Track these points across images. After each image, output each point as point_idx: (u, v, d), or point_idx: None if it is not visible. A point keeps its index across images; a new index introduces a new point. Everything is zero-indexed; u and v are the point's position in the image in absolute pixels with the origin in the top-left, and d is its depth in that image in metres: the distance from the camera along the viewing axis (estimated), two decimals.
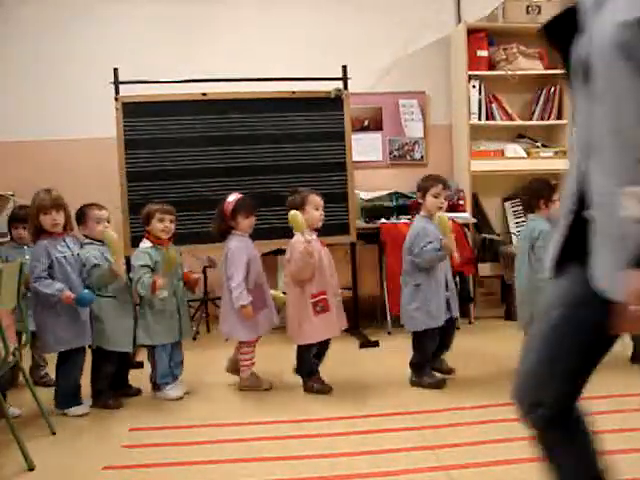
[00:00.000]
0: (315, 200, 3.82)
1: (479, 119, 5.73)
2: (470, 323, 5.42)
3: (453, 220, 5.19)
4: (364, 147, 5.83)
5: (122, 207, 4.85)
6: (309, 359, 3.84)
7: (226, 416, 3.49)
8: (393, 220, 5.44)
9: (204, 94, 5.02)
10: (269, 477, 2.71)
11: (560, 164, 5.76)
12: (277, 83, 5.11)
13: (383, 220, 5.43)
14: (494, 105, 5.79)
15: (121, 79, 4.94)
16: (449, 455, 2.83)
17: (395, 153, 5.98)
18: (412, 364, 3.89)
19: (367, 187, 5.65)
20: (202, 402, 3.75)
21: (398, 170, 5.93)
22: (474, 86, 5.70)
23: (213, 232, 3.97)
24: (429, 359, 3.87)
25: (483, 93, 5.74)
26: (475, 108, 5.71)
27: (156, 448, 3.09)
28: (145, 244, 3.83)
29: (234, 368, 4.03)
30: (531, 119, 5.92)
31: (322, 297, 3.75)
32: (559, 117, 5.86)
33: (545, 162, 5.74)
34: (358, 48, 5.76)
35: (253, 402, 3.74)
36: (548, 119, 5.87)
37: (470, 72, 5.66)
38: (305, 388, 3.84)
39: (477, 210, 5.68)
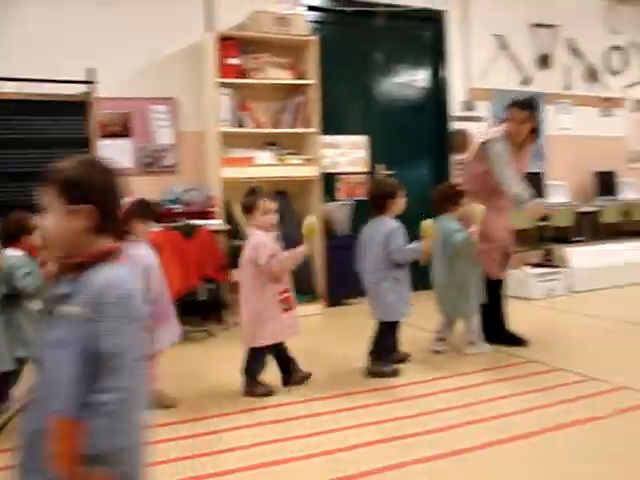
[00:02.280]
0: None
1: (230, 126, 5.83)
2: (226, 330, 5.47)
3: (204, 227, 5.26)
4: (113, 154, 5.67)
5: None
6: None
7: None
8: None
9: None
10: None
11: (309, 171, 6.04)
12: (21, 84, 4.85)
13: None
14: (245, 113, 5.93)
15: None
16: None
17: (145, 160, 5.91)
18: (374, 353, 4.15)
19: None
20: None
21: (148, 177, 5.85)
22: (225, 94, 5.80)
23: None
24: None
25: (234, 101, 5.86)
26: (226, 115, 5.81)
27: None
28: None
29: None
30: (281, 127, 6.13)
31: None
32: (307, 126, 6.12)
33: (295, 169, 5.99)
34: (107, 50, 5.60)
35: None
36: (297, 128, 6.12)
37: (220, 80, 5.74)
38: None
39: (229, 217, 5.77)
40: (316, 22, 6.60)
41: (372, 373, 4.10)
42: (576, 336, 5.23)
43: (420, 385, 3.91)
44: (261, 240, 3.78)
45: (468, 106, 7.36)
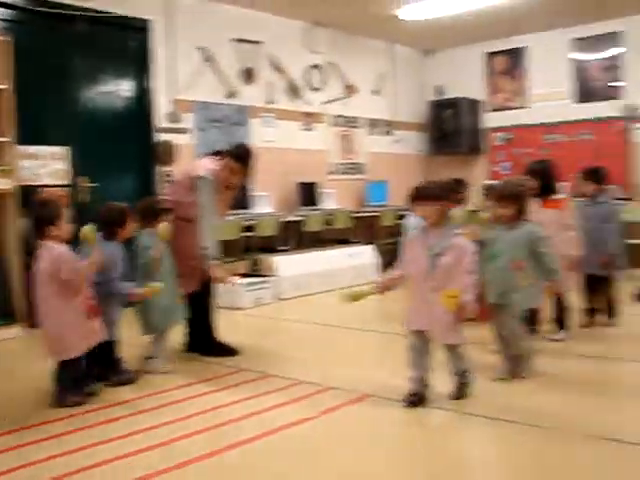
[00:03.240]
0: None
1: None
2: None
3: None
4: None
5: None
6: None
7: None
8: None
9: None
10: None
11: (3, 183, 5.73)
12: None
13: None
14: None
15: None
16: None
17: None
18: (110, 368, 4.25)
19: None
20: None
21: None
22: None
23: None
24: None
25: None
26: None
27: None
28: None
29: None
30: None
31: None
32: (1, 135, 5.79)
33: None
34: None
35: None
36: None
37: None
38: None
39: None
40: (8, 21, 6.27)
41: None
42: (285, 342, 5.56)
43: (153, 397, 3.99)
44: (61, 253, 3.80)
45: (173, 118, 7.47)
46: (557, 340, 5.05)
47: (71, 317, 3.83)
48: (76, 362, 3.91)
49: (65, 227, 3.88)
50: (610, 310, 5.56)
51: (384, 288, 3.87)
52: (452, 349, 3.75)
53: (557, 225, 4.83)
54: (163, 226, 4.51)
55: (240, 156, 4.78)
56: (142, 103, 7.32)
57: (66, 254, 3.82)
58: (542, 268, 4.09)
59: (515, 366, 4.13)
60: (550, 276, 4.14)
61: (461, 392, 3.78)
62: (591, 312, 5.54)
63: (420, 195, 3.70)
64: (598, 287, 5.48)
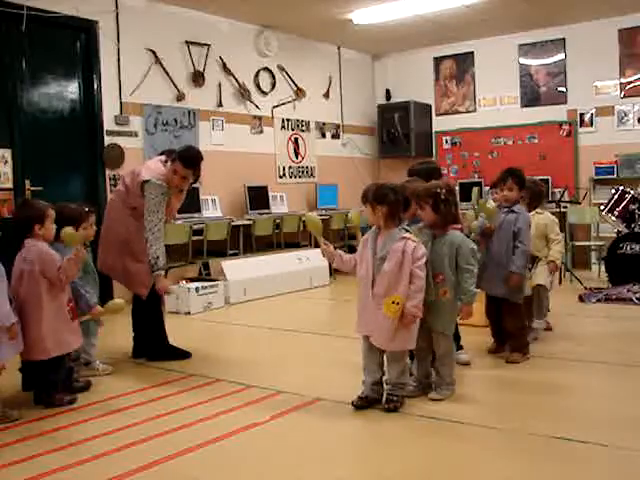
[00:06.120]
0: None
1: None
2: None
3: None
4: None
5: None
6: None
7: None
8: None
9: None
10: None
11: None
12: None
13: None
14: None
15: None
16: None
17: None
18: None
19: None
20: None
21: None
22: None
23: None
24: None
25: None
26: None
27: None
28: None
29: None
30: None
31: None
32: None
33: None
34: None
35: None
36: None
37: None
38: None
39: None
40: None
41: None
42: (234, 347, 5.61)
43: (101, 404, 3.95)
44: (45, 251, 3.85)
45: (121, 120, 7.44)
46: (464, 364, 4.51)
47: (55, 316, 3.87)
48: (62, 361, 3.96)
49: (51, 227, 3.94)
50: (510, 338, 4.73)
51: (329, 251, 3.77)
52: (393, 359, 3.69)
53: None
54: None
55: (189, 160, 4.69)
56: (89, 105, 7.27)
57: (49, 252, 3.87)
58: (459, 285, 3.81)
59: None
60: (464, 296, 3.82)
61: (390, 405, 3.66)
62: (499, 337, 4.84)
63: (363, 197, 3.68)
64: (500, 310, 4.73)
